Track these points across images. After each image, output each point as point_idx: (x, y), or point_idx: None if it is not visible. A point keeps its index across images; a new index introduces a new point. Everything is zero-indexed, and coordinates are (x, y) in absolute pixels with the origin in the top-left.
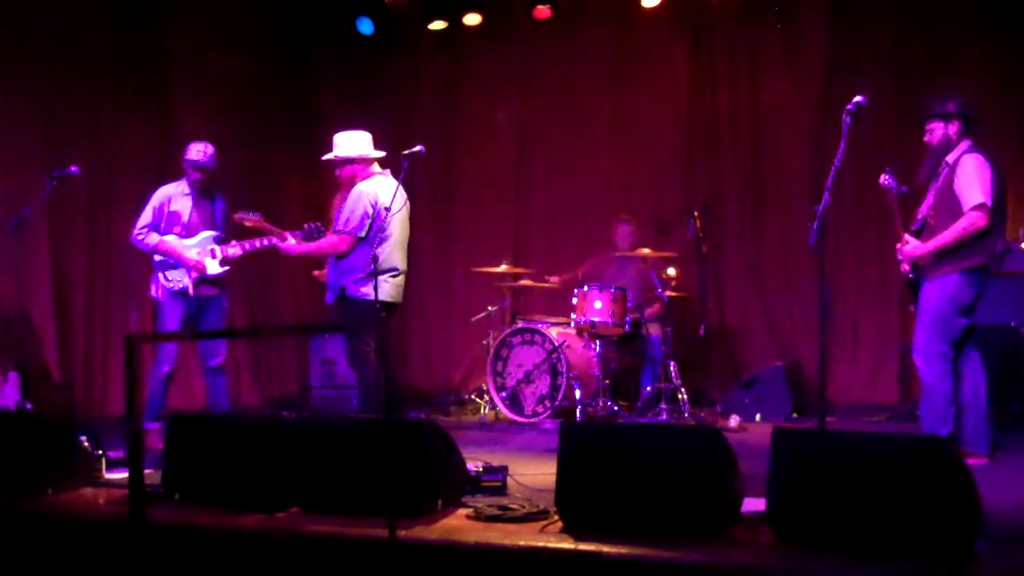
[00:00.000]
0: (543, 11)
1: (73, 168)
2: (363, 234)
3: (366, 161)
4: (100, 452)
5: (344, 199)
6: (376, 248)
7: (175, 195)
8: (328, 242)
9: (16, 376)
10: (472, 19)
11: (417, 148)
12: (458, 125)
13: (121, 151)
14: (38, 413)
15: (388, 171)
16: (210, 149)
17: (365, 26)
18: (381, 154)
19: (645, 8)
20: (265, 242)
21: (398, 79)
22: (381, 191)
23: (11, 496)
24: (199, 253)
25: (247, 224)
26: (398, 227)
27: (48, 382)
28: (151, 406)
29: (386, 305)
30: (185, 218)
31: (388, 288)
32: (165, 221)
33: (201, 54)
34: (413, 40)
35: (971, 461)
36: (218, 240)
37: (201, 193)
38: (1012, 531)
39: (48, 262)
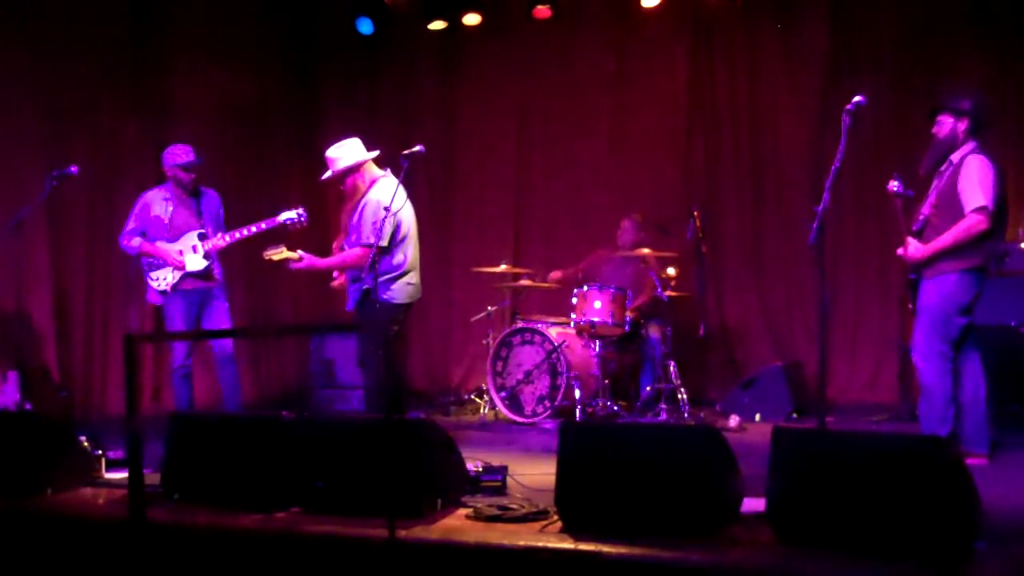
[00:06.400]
0: (543, 11)
1: (73, 168)
2: (385, 243)
3: (363, 166)
4: (100, 452)
5: (353, 209)
6: (397, 252)
7: (154, 200)
8: (353, 256)
9: (16, 376)
10: (472, 19)
11: (417, 148)
12: (458, 125)
13: (121, 151)
14: (38, 413)
15: (388, 170)
16: (190, 148)
17: (365, 26)
18: (375, 153)
19: (645, 8)
20: (254, 229)
21: (398, 79)
22: (388, 196)
23: (11, 496)
24: (180, 252)
25: (275, 259)
26: (411, 226)
27: (48, 382)
28: (178, 402)
29: (406, 307)
30: (167, 220)
31: (411, 290)
32: (150, 226)
33: (201, 53)
34: (413, 40)
35: (971, 461)
36: (201, 236)
37: (186, 193)
38: (1012, 531)
39: (48, 262)
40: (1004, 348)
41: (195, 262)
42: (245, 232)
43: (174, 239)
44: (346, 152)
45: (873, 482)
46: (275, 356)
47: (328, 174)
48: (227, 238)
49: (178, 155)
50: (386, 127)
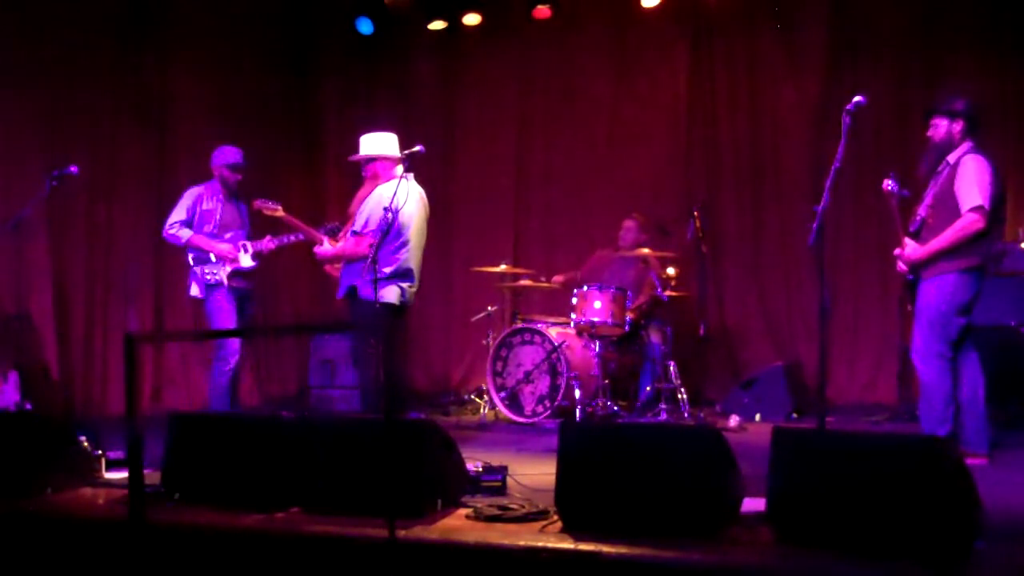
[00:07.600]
0: (543, 11)
1: (73, 168)
2: (381, 237)
3: (388, 161)
4: (100, 452)
5: (363, 197)
6: (390, 253)
7: (205, 195)
8: (350, 244)
9: (16, 376)
10: (472, 19)
11: (416, 148)
12: (458, 125)
13: (121, 151)
14: (38, 413)
15: (411, 175)
16: (239, 150)
17: (365, 26)
18: (399, 156)
19: (645, 8)
20: (298, 236)
21: (398, 79)
22: (398, 195)
23: (11, 496)
24: (231, 249)
25: (266, 213)
26: (416, 231)
27: (48, 382)
28: (218, 402)
29: (396, 308)
30: (217, 216)
31: (399, 292)
32: (197, 219)
33: (201, 53)
34: (413, 40)
35: (970, 461)
36: (248, 237)
37: (231, 194)
38: (1012, 531)
39: (48, 262)
40: (1004, 348)
41: (246, 260)
42: (292, 238)
43: (220, 236)
44: (376, 143)
45: (873, 482)
46: (275, 356)
47: (356, 157)
48: (275, 242)
49: (227, 155)
50: (386, 127)
